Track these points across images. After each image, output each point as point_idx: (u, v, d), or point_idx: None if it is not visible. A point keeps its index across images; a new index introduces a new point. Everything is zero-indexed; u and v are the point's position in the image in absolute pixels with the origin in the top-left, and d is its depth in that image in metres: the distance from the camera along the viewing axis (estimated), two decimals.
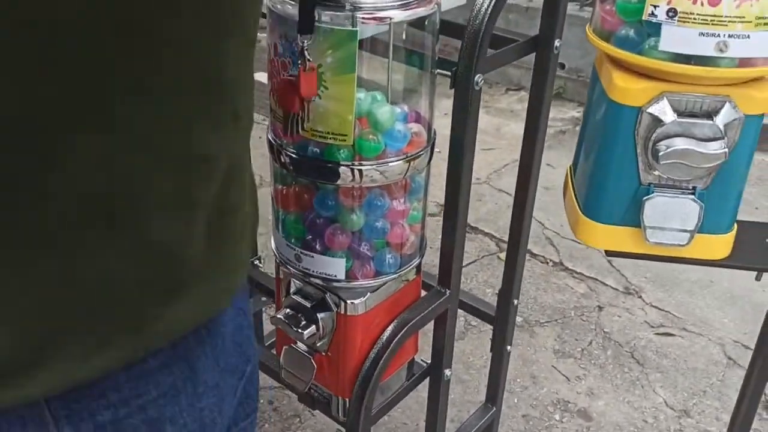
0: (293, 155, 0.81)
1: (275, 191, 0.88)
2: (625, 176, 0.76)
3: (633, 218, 0.77)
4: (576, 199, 0.82)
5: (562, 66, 2.86)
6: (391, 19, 0.75)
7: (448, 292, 0.98)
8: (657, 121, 0.71)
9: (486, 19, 0.82)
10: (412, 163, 0.83)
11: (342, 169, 0.79)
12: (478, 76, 0.84)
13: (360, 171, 0.79)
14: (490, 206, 2.23)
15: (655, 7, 0.66)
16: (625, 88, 0.72)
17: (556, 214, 2.09)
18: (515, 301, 1.20)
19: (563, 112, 2.84)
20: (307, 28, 0.69)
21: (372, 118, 0.78)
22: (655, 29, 0.68)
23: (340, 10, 0.72)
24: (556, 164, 2.30)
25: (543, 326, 1.78)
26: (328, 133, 0.76)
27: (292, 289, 0.91)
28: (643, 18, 0.68)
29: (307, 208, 0.85)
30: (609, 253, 0.80)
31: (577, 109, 2.89)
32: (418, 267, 0.95)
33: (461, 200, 0.93)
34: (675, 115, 0.70)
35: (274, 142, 0.83)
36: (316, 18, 0.71)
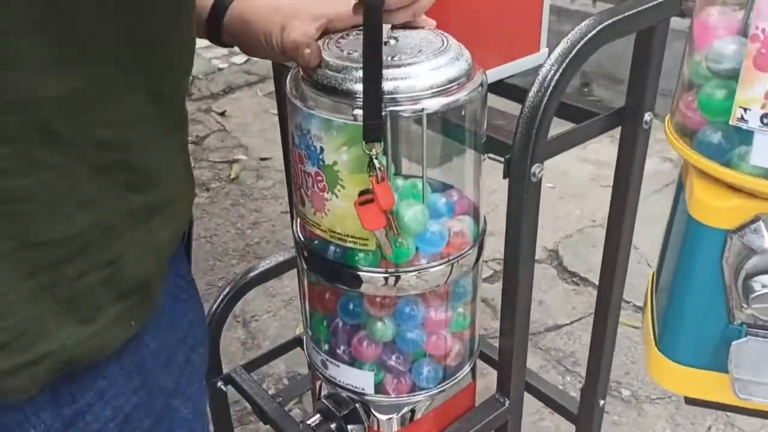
0: (314, 255, 0.71)
1: (300, 282, 0.79)
2: (709, 311, 0.60)
3: (719, 362, 0.60)
4: (653, 324, 0.66)
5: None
6: (423, 110, 0.63)
7: (507, 402, 0.85)
8: (750, 250, 0.55)
9: (549, 90, 0.68)
10: (454, 266, 0.71)
11: (365, 275, 0.68)
12: (536, 166, 0.70)
13: (386, 279, 0.68)
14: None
15: (745, 110, 0.51)
16: (710, 206, 0.56)
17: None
18: (601, 402, 1.04)
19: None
20: (374, 136, 0.60)
21: (400, 221, 0.67)
22: (746, 135, 0.52)
23: (348, 99, 0.61)
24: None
25: (654, 404, 1.57)
26: (348, 236, 0.66)
27: (324, 392, 0.82)
28: (731, 123, 0.52)
29: (332, 311, 0.75)
30: (688, 401, 0.64)
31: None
32: (473, 371, 0.83)
33: (519, 303, 0.79)
34: None
35: (296, 238, 0.74)
36: (325, 107, 0.62)
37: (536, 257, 2.04)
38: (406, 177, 0.75)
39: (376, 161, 0.60)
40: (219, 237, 2.19)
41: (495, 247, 1.68)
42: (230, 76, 3.27)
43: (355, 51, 0.64)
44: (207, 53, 3.42)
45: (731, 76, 0.53)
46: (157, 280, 0.55)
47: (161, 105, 0.52)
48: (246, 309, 1.87)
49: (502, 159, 0.72)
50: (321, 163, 0.64)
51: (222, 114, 2.94)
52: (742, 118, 0.51)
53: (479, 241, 0.73)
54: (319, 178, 0.65)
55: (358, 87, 0.61)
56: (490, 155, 0.74)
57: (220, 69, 3.31)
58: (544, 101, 0.68)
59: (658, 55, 0.77)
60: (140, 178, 0.51)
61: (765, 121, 0.50)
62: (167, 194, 0.54)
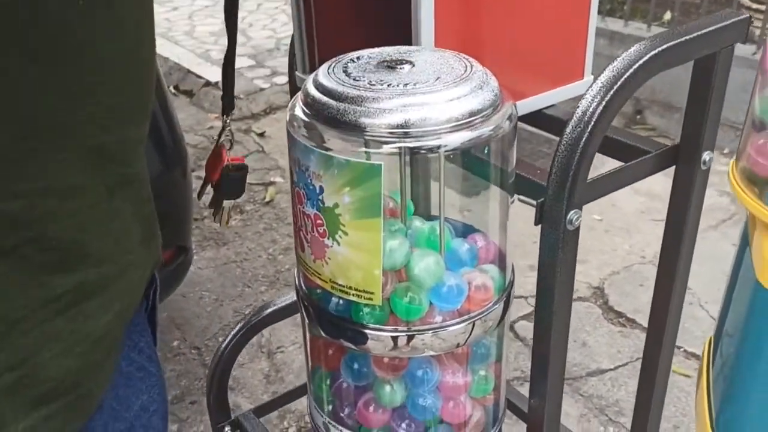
0: (315, 306, 0.63)
1: (303, 333, 0.70)
2: None
3: None
4: (708, 402, 0.56)
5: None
6: (440, 147, 0.54)
7: None
8: None
9: (590, 126, 0.59)
10: (476, 324, 0.61)
11: (371, 333, 0.59)
12: (573, 212, 0.61)
13: (395, 338, 0.59)
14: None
15: None
16: None
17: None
18: None
19: None
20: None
21: (410, 272, 0.58)
22: None
23: (354, 134, 0.53)
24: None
25: None
26: (350, 287, 0.58)
27: None
28: None
29: (335, 369, 0.66)
30: None
31: None
32: None
33: (552, 364, 0.69)
34: None
35: (296, 285, 0.66)
36: (324, 140, 0.53)
37: (580, 295, 1.92)
38: (428, 218, 0.66)
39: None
40: (250, 262, 2.12)
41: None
42: (272, 96, 3.23)
43: (364, 77, 0.56)
44: (249, 73, 3.40)
45: None
46: (97, 373, 0.46)
47: (99, 164, 0.42)
48: (271, 339, 1.80)
49: (534, 202, 0.63)
50: (321, 204, 0.56)
51: (261, 135, 2.90)
52: None
53: (506, 295, 0.64)
54: (319, 221, 0.57)
55: (368, 120, 0.53)
56: (521, 197, 0.65)
57: (261, 89, 3.28)
58: (584, 138, 0.58)
59: (719, 87, 0.67)
60: (65, 255, 0.42)
61: None
62: (109, 270, 0.45)
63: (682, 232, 0.75)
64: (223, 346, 0.99)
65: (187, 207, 1.44)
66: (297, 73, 0.85)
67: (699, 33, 0.62)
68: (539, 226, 0.63)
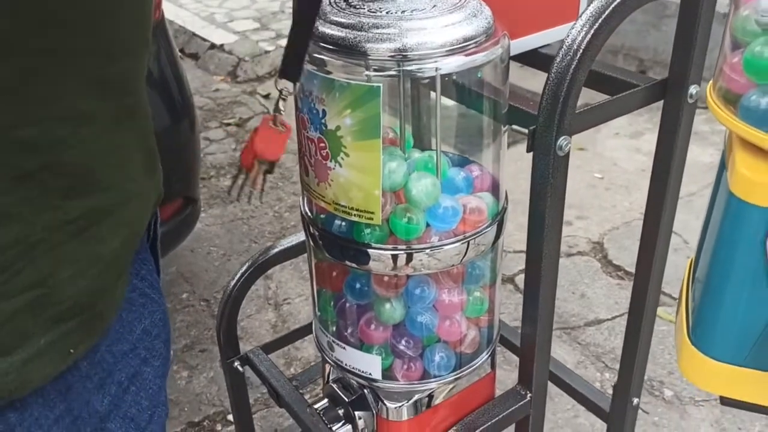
0: (319, 230, 0.67)
1: (309, 259, 0.74)
2: (751, 301, 0.53)
3: (761, 359, 0.54)
4: (686, 315, 0.60)
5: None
6: (437, 70, 0.57)
7: (529, 395, 0.79)
8: None
9: (579, 54, 0.62)
10: (470, 245, 0.65)
11: (372, 252, 0.63)
12: (562, 138, 0.64)
13: (395, 256, 0.63)
14: None
15: None
16: (754, 181, 0.49)
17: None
18: (635, 400, 0.96)
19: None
20: (292, 74, 0.56)
21: (408, 193, 0.62)
22: None
23: (354, 57, 0.56)
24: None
25: (698, 406, 1.48)
26: (352, 208, 0.61)
27: (333, 376, 0.77)
28: None
29: (339, 290, 0.70)
30: (725, 402, 0.57)
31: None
32: (492, 359, 0.77)
33: (543, 289, 0.73)
34: None
35: (302, 212, 0.69)
36: (326, 65, 0.57)
37: (580, 249, 1.96)
38: (424, 150, 0.70)
39: (281, 102, 0.61)
40: (256, 219, 2.17)
41: None
42: (277, 59, 3.25)
43: (364, 5, 0.59)
44: (254, 36, 3.41)
45: None
46: (108, 297, 0.49)
47: (105, 93, 0.44)
48: (278, 292, 1.84)
49: (526, 130, 0.66)
50: (323, 128, 0.59)
51: (266, 97, 2.93)
52: None
53: (499, 219, 0.67)
54: (322, 144, 0.60)
55: (368, 44, 0.56)
56: (513, 126, 0.68)
57: (266, 51, 3.30)
58: (573, 66, 0.62)
59: (706, 20, 0.69)
60: (77, 181, 0.44)
61: None
62: (116, 197, 0.47)
63: (670, 166, 0.78)
64: (232, 284, 1.04)
65: (194, 159, 1.48)
66: None
67: None
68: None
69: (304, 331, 1.17)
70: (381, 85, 0.55)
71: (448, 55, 0.57)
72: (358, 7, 0.59)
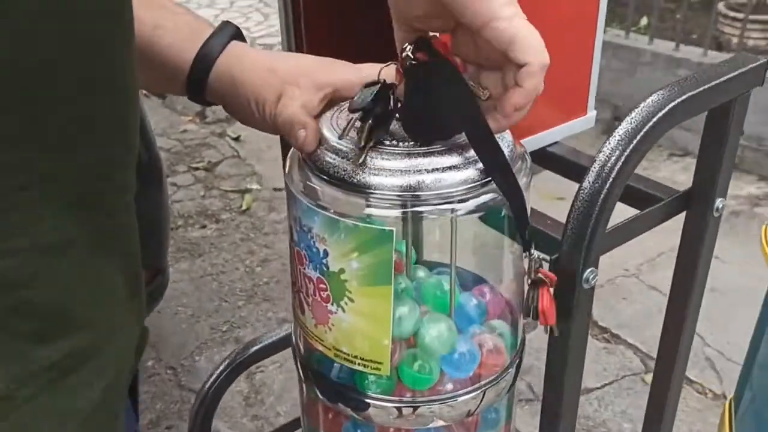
0: (314, 370, 0.59)
1: (300, 390, 0.66)
2: None
3: None
4: None
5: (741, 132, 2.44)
6: (454, 211, 0.50)
7: None
8: None
9: (609, 182, 0.55)
10: (487, 392, 0.58)
11: (375, 402, 0.56)
12: (590, 270, 0.57)
13: (399, 409, 0.55)
14: (637, 307, 1.88)
15: None
16: None
17: (721, 326, 1.71)
18: None
19: (738, 188, 2.41)
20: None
21: (421, 340, 0.54)
22: None
23: (362, 196, 0.49)
24: (726, 257, 1.91)
25: None
26: (356, 357, 0.54)
27: None
28: None
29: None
30: None
31: (756, 184, 2.45)
32: None
33: (565, 417, 0.66)
34: None
35: (294, 344, 0.62)
36: (329, 201, 0.49)
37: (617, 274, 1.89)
38: (430, 265, 0.63)
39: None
40: (226, 275, 2.07)
41: None
42: None
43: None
44: None
45: None
46: None
47: (85, 215, 0.38)
48: None
49: (548, 258, 0.59)
50: (325, 269, 0.52)
51: (236, 139, 2.84)
52: None
53: (518, 356, 0.60)
54: (323, 285, 0.52)
55: (375, 179, 0.49)
56: (534, 252, 0.62)
57: None
58: (603, 193, 0.55)
59: (734, 134, 0.64)
60: (50, 322, 0.38)
61: None
62: (96, 335, 0.41)
63: (693, 278, 0.72)
64: (207, 386, 0.94)
65: (163, 227, 1.39)
66: None
67: (717, 82, 0.59)
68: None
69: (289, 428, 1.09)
70: (394, 229, 0.48)
71: (467, 194, 0.50)
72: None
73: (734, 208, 2.30)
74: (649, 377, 1.69)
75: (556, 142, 0.78)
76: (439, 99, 0.50)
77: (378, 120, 0.50)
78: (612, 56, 2.85)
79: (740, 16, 2.75)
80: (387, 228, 0.48)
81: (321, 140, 0.52)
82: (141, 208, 1.26)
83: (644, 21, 3.22)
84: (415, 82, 0.50)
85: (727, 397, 1.62)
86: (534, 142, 0.75)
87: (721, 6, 2.90)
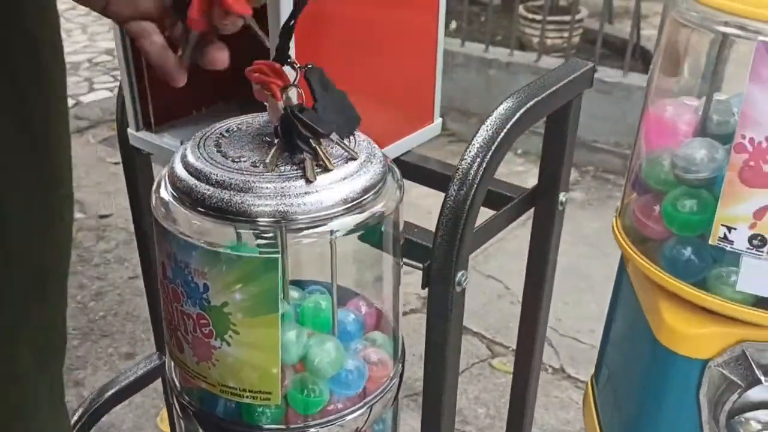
0: (195, 408, 0.56)
1: (177, 423, 0.63)
2: None
3: None
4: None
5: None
6: (333, 233, 0.50)
7: None
8: (733, 384, 0.47)
9: (474, 188, 0.58)
10: (373, 408, 0.58)
11: None
12: (461, 273, 0.60)
13: None
14: (477, 298, 1.99)
15: (729, 229, 0.43)
16: (684, 333, 0.48)
17: (554, 305, 1.85)
18: None
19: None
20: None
21: (309, 364, 0.53)
22: (723, 254, 0.45)
23: (241, 225, 0.47)
24: None
25: None
26: (244, 390, 0.52)
27: None
28: (712, 242, 0.44)
29: None
30: None
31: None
32: None
33: (445, 417, 0.68)
34: (763, 375, 0.46)
35: (168, 380, 0.58)
36: (197, 231, 0.47)
37: (412, 307, 1.94)
38: (301, 284, 0.62)
39: None
40: None
41: None
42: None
43: (243, 156, 0.51)
44: None
45: (703, 185, 0.45)
46: None
47: None
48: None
49: (420, 266, 0.61)
50: (206, 303, 0.49)
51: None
52: (725, 238, 0.43)
53: (400, 365, 0.61)
54: (204, 321, 0.50)
55: (259, 206, 0.47)
56: (405, 260, 0.63)
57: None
58: (469, 201, 0.58)
59: (572, 132, 0.70)
60: None
61: (755, 242, 0.42)
62: None
63: (545, 265, 0.78)
64: None
65: None
66: (130, 130, 0.76)
67: (556, 87, 0.64)
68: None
69: None
70: (279, 256, 0.47)
71: (344, 215, 0.50)
72: (237, 159, 0.50)
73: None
74: (496, 362, 1.79)
75: (407, 152, 0.80)
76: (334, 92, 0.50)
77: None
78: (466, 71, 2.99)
79: (538, 17, 2.99)
80: (272, 256, 0.47)
81: (191, 171, 0.50)
82: None
83: (453, 25, 3.39)
84: (319, 82, 0.50)
85: (566, 371, 1.75)
86: (387, 153, 0.77)
87: (521, 9, 3.13)
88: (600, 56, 2.67)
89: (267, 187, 0.48)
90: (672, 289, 0.47)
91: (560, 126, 0.69)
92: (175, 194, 0.50)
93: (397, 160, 0.79)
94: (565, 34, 2.90)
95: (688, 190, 0.46)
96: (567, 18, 2.94)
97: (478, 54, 2.87)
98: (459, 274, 0.60)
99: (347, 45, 0.69)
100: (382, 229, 0.57)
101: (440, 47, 0.78)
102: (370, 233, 0.57)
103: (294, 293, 0.62)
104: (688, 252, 0.47)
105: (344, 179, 0.50)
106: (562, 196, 0.73)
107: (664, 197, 0.48)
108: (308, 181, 0.48)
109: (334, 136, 0.52)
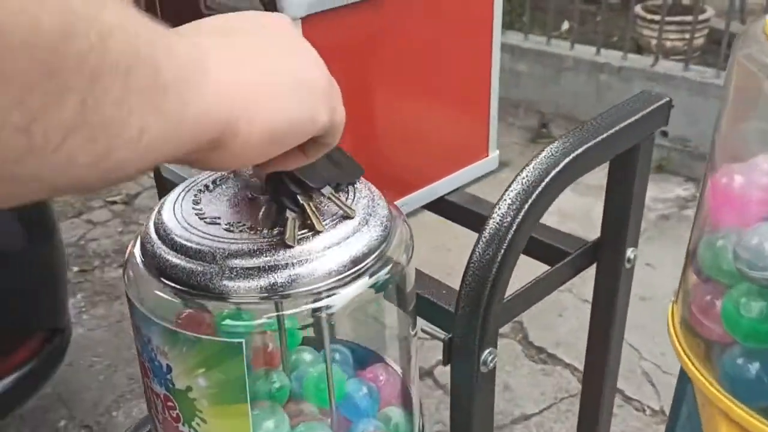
0: None
1: None
2: None
3: None
4: None
5: (665, 134, 2.44)
6: (324, 309, 0.43)
7: None
8: None
9: (502, 251, 0.48)
10: None
11: None
12: (488, 351, 0.51)
13: None
14: (572, 324, 1.84)
15: None
16: None
17: (656, 336, 1.68)
18: None
19: (666, 190, 2.41)
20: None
21: None
22: None
23: (207, 301, 0.41)
24: (656, 263, 1.89)
25: None
26: None
27: None
28: None
29: None
30: None
31: (683, 185, 2.45)
32: None
33: None
34: None
35: None
36: (157, 306, 0.41)
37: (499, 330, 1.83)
38: (319, 345, 0.55)
39: None
40: None
41: None
42: None
43: (221, 216, 0.44)
44: None
45: None
46: None
47: None
48: None
49: (441, 336, 0.52)
50: (171, 385, 0.43)
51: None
52: None
53: None
54: (171, 404, 0.44)
55: (231, 282, 0.40)
56: (426, 328, 0.54)
57: None
58: (495, 267, 0.48)
59: (642, 178, 0.58)
60: None
61: None
62: None
63: (609, 331, 0.67)
64: None
65: (59, 283, 1.28)
66: None
67: (618, 127, 0.53)
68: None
69: None
70: (243, 341, 0.40)
71: (338, 287, 0.42)
72: (213, 219, 0.44)
73: (663, 211, 2.30)
74: None
75: (456, 189, 0.71)
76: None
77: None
78: (535, 63, 2.84)
79: (657, 18, 2.77)
80: (235, 341, 0.40)
81: (159, 232, 0.44)
82: (33, 267, 1.14)
83: (565, 26, 3.22)
84: None
85: (666, 412, 1.59)
86: (432, 191, 0.68)
87: (638, 8, 2.92)
88: (725, 58, 2.43)
89: (235, 261, 0.41)
90: (734, 417, 0.36)
91: (627, 171, 0.58)
92: (142, 257, 0.44)
93: (441, 199, 0.70)
94: (687, 36, 2.66)
95: (754, 288, 0.35)
96: (689, 18, 2.70)
97: (588, 57, 2.70)
98: (485, 353, 0.50)
99: (393, 72, 0.61)
100: (396, 285, 0.49)
101: (495, 74, 0.68)
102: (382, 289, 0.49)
103: (306, 355, 0.55)
104: (754, 369, 0.35)
105: (336, 245, 0.42)
106: (629, 252, 0.61)
107: (726, 292, 0.36)
108: (287, 246, 0.41)
109: (326, 190, 0.44)
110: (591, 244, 0.62)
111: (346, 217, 0.44)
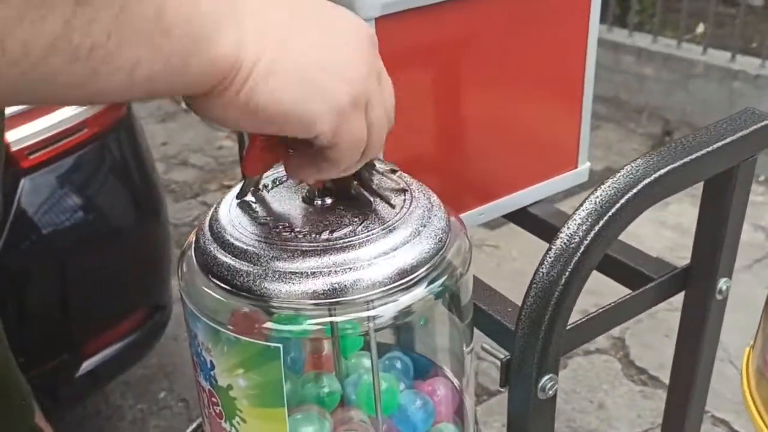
0: None
1: None
2: None
3: None
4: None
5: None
6: (371, 319, 0.41)
7: None
8: None
9: (567, 274, 0.45)
10: None
11: None
12: (548, 378, 0.48)
13: None
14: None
15: None
16: None
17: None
18: None
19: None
20: None
21: None
22: None
23: (251, 302, 0.40)
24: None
25: None
26: None
27: None
28: None
29: None
30: None
31: None
32: None
33: None
34: None
35: None
36: (202, 302, 0.41)
37: (598, 346, 1.76)
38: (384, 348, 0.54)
39: None
40: None
41: None
42: None
43: (271, 217, 0.44)
44: None
45: None
46: None
47: None
48: None
49: (501, 356, 0.50)
50: (214, 382, 0.43)
51: None
52: None
53: None
54: (214, 399, 0.44)
55: (272, 285, 0.40)
56: (485, 346, 0.52)
57: None
58: (560, 286, 0.45)
59: (739, 205, 0.53)
60: None
61: None
62: None
63: (696, 364, 0.61)
64: None
65: (163, 262, 1.34)
66: None
67: (711, 149, 0.48)
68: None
69: None
70: (281, 346, 0.40)
71: (387, 296, 0.41)
72: (265, 220, 0.43)
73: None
74: None
75: (541, 200, 0.68)
76: None
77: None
78: (662, 67, 2.69)
79: None
80: (272, 345, 0.40)
81: (213, 231, 0.44)
82: (139, 244, 1.20)
83: (700, 28, 3.03)
84: None
85: None
86: (511, 202, 0.66)
87: None
88: None
89: (279, 264, 0.40)
90: None
91: (722, 195, 0.53)
92: (195, 252, 0.44)
93: (523, 210, 0.67)
94: None
95: None
96: None
97: (722, 63, 2.52)
98: (544, 379, 0.47)
99: (477, 75, 0.59)
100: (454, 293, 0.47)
101: (590, 80, 0.64)
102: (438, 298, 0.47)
103: (365, 362, 0.54)
104: None
105: (384, 254, 0.41)
106: (722, 283, 0.56)
107: None
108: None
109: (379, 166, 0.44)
110: (680, 270, 0.57)
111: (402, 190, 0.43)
